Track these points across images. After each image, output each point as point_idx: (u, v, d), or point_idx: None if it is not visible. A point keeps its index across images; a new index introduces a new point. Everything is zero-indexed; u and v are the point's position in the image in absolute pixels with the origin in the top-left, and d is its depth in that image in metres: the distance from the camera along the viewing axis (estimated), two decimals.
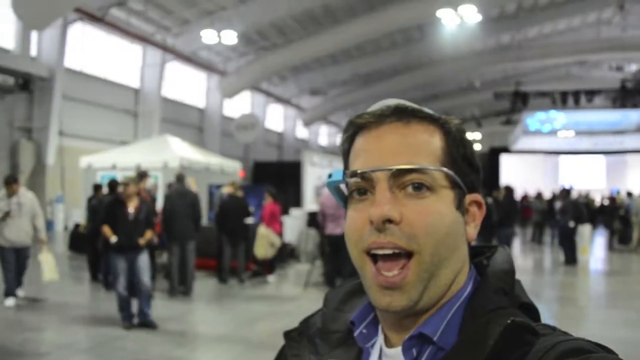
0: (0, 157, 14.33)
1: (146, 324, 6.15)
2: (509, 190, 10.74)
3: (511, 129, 28.67)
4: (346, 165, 0.77)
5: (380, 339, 0.76)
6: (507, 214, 10.23)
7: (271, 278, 9.79)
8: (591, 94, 24.00)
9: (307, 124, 30.07)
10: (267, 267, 9.88)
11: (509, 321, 0.64)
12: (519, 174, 35.74)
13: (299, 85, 26.34)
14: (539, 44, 23.67)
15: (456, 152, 0.74)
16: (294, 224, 11.91)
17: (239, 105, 24.84)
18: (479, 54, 24.01)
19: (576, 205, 11.58)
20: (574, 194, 13.60)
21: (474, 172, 0.76)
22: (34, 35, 14.69)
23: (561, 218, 11.78)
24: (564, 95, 23.89)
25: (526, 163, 36.35)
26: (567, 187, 12.63)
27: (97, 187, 9.60)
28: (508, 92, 25.00)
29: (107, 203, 6.72)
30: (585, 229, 11.88)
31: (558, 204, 12.71)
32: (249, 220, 9.79)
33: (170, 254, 8.29)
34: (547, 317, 7.63)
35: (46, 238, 7.32)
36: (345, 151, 0.79)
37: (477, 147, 35.03)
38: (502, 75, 28.18)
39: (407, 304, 0.69)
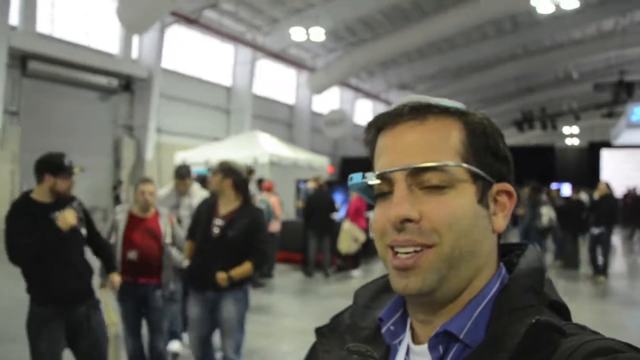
0: (105, 153, 15.40)
1: None
2: (607, 187, 10.10)
3: (613, 122, 26.81)
4: (372, 166, 0.79)
5: (407, 336, 0.77)
6: (604, 213, 9.65)
7: (356, 273, 9.85)
8: None
9: None
10: (352, 262, 9.94)
11: (533, 320, 0.63)
12: (623, 170, 33.46)
13: (387, 80, 26.14)
14: None
15: (477, 144, 0.73)
16: None
17: (328, 101, 25.04)
18: (577, 42, 22.69)
19: None
20: None
21: (501, 162, 0.76)
22: (135, 40, 15.63)
23: None
24: None
25: (631, 158, 33.97)
26: None
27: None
28: (610, 83, 23.37)
29: (199, 204, 4.11)
30: None
31: None
32: (335, 216, 9.89)
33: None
34: None
35: None
36: (370, 152, 0.80)
37: (574, 141, 33.33)
38: (604, 64, 26.41)
39: (422, 287, 0.69)
